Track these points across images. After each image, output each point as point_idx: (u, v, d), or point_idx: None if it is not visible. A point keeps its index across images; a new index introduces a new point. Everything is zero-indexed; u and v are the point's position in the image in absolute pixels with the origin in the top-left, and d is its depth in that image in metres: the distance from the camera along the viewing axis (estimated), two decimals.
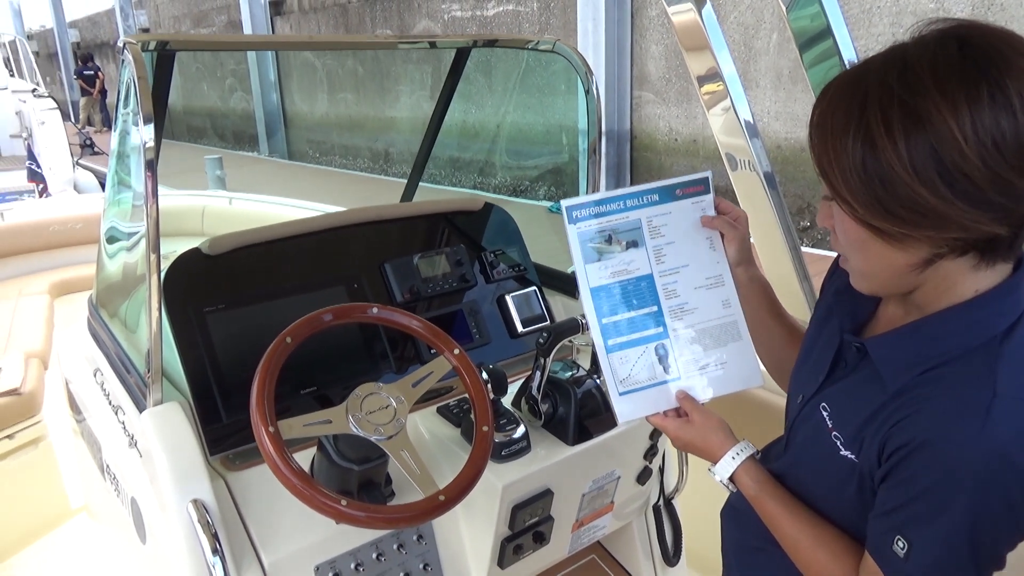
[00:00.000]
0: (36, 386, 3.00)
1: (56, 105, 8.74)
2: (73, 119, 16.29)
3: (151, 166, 1.20)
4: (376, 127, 12.31)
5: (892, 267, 0.86)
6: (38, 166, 7.64)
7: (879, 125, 0.77)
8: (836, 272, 1.09)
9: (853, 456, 0.91)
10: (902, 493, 0.85)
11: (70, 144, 8.52)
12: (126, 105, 1.36)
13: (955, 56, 0.76)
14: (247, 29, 13.71)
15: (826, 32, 1.73)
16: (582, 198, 1.14)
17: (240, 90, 15.31)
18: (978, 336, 0.84)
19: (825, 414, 0.97)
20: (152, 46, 1.30)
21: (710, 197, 1.18)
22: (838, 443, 0.93)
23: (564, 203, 1.13)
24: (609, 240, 1.14)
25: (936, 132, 0.74)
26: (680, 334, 1.15)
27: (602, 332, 1.13)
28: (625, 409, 1.13)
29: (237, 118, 15.74)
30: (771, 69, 6.93)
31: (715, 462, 1.08)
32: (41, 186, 7.51)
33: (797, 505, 1.01)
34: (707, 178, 1.18)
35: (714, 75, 1.80)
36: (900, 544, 0.85)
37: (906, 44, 0.80)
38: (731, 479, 1.06)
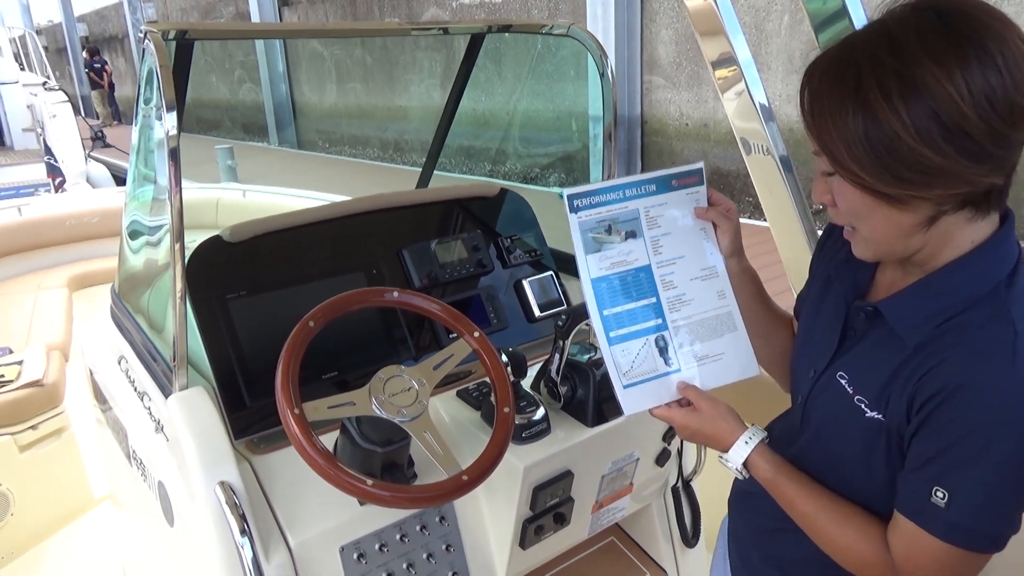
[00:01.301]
0: (58, 377, 3.04)
1: (67, 98, 8.78)
2: (84, 113, 16.33)
3: (174, 155, 1.21)
4: (385, 116, 12.30)
5: (899, 230, 0.89)
6: (55, 160, 7.69)
7: (879, 97, 0.81)
8: (825, 249, 1.13)
9: (880, 416, 0.92)
10: (938, 442, 0.86)
11: (82, 138, 8.56)
12: (148, 96, 1.37)
13: (937, 25, 0.81)
14: (255, 20, 13.71)
15: (842, 12, 1.72)
16: (583, 187, 1.14)
17: (249, 82, 15.33)
18: (985, 284, 0.89)
19: (843, 382, 0.98)
20: (172, 35, 1.31)
21: (703, 188, 1.19)
22: (862, 406, 0.95)
23: (566, 192, 1.13)
24: (609, 230, 1.14)
25: (934, 96, 0.79)
26: (679, 325, 1.15)
27: (603, 324, 1.13)
28: (630, 402, 1.12)
29: (246, 109, 15.76)
30: (782, 51, 6.88)
31: (725, 450, 1.08)
32: (59, 180, 7.56)
33: (815, 485, 1.02)
34: (700, 169, 1.19)
35: (729, 60, 1.80)
36: (940, 494, 0.86)
37: (884, 20, 0.86)
38: (744, 465, 1.06)
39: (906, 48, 0.81)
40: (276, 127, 14.63)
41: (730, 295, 1.18)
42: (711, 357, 1.15)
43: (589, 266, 1.14)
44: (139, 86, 1.38)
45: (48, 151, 7.83)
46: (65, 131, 8.25)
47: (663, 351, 1.14)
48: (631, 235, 1.15)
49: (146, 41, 1.23)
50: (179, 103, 1.22)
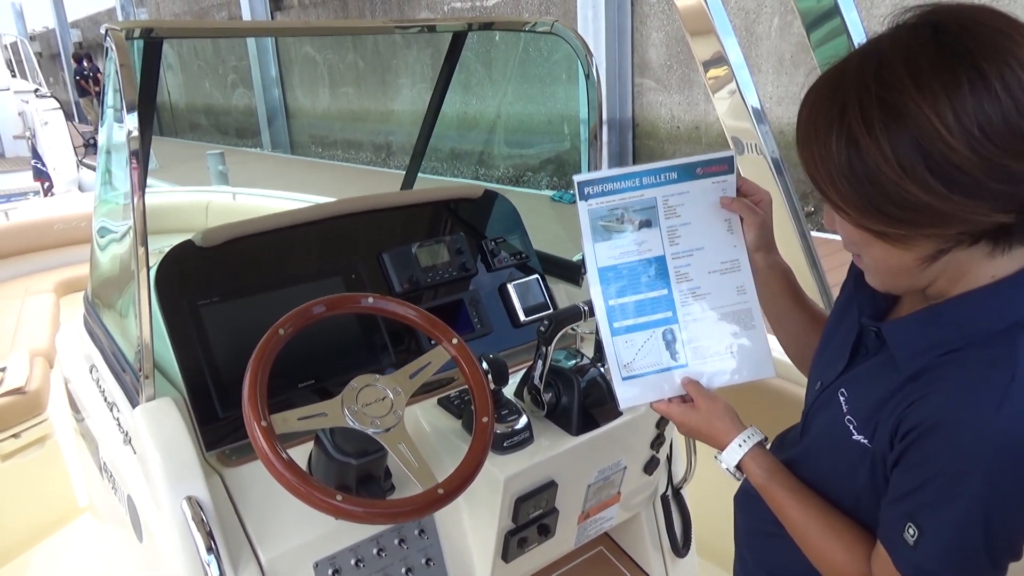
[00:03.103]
0: (41, 384, 2.99)
1: (59, 105, 8.72)
2: (78, 119, 16.25)
3: (136, 156, 1.17)
4: (378, 120, 12.28)
5: (900, 265, 0.83)
6: (43, 164, 7.63)
7: (860, 125, 0.75)
8: None
9: (866, 441, 0.88)
10: (914, 477, 0.82)
11: (74, 146, 8.50)
12: (112, 97, 1.33)
13: (930, 44, 0.74)
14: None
15: (833, 11, 1.69)
16: (595, 174, 1.09)
17: (242, 86, 15.30)
18: (998, 321, 0.81)
19: (842, 399, 0.94)
20: (137, 33, 1.26)
21: (732, 178, 1.12)
22: (851, 427, 0.91)
23: (576, 178, 1.09)
24: (621, 219, 1.10)
25: (917, 126, 0.72)
26: (690, 319, 1.10)
27: (608, 314, 1.09)
28: (628, 395, 1.09)
29: (239, 114, 15.74)
30: (773, 53, 6.86)
31: (722, 449, 1.04)
32: (47, 184, 7.50)
33: (808, 494, 0.98)
34: (731, 157, 1.12)
35: (720, 59, 1.76)
36: (911, 531, 0.82)
37: (881, 37, 0.78)
38: (738, 467, 1.03)
39: (892, 72, 0.73)
40: (269, 131, 14.59)
41: (751, 291, 1.11)
42: (723, 354, 1.10)
43: (597, 255, 1.09)
44: (103, 88, 1.33)
45: (36, 155, 7.77)
46: (57, 138, 8.17)
47: (670, 345, 1.09)
48: (645, 224, 1.10)
49: (107, 40, 1.18)
50: (146, 103, 1.18)
